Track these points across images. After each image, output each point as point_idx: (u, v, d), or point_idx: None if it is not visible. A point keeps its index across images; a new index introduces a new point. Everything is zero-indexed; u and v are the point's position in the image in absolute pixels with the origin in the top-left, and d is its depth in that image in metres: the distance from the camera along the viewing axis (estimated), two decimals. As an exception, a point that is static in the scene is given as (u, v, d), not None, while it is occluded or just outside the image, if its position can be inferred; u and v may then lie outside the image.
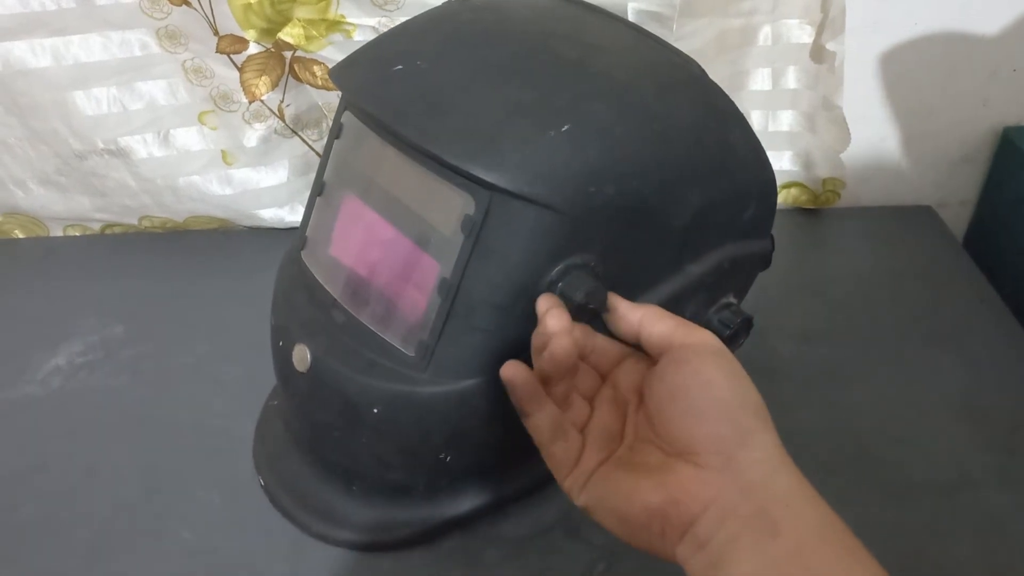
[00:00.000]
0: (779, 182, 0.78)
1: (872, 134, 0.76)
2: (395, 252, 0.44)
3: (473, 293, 0.41)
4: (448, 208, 0.41)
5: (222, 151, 0.72)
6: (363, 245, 0.47)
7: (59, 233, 0.81)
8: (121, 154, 0.71)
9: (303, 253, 0.50)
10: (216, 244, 0.78)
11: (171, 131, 0.70)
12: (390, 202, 0.45)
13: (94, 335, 0.67)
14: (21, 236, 0.81)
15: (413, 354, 0.43)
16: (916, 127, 0.76)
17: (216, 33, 0.64)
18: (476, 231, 0.39)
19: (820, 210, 0.80)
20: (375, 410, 0.44)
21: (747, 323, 0.49)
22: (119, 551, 0.51)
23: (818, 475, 0.34)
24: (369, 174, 0.47)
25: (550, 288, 0.40)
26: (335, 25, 0.64)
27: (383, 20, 0.63)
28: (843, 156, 0.73)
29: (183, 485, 0.54)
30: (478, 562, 0.49)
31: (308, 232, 0.50)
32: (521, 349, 0.41)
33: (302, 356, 0.46)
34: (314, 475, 0.52)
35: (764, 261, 0.51)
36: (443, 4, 0.50)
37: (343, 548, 0.50)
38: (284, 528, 0.51)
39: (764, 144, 0.47)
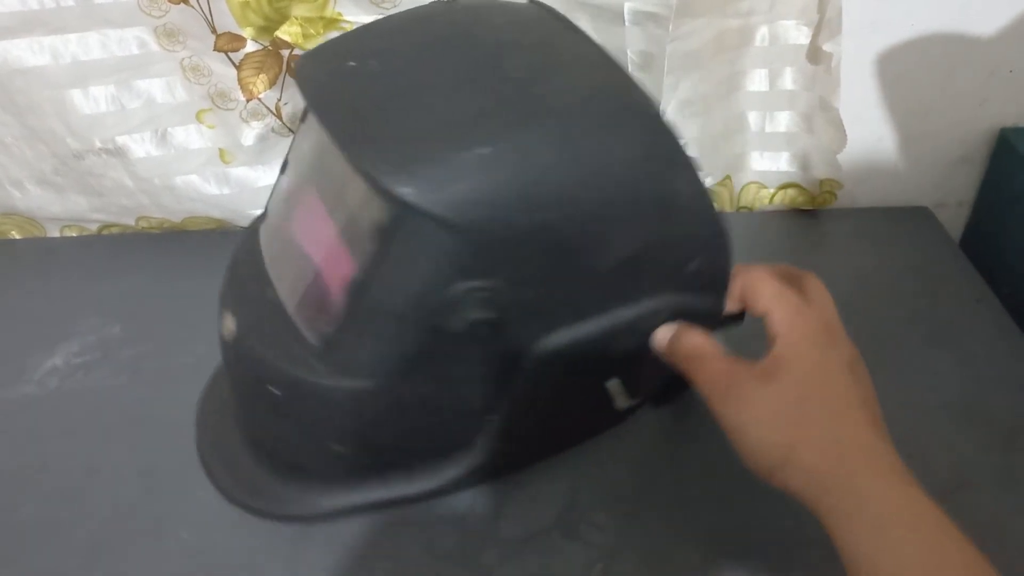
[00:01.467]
0: (776, 183, 0.79)
1: (869, 135, 0.77)
2: (323, 242, 0.45)
3: (377, 298, 0.41)
4: (369, 211, 0.41)
5: (220, 149, 0.72)
6: (300, 229, 0.48)
7: (56, 234, 0.80)
8: (119, 153, 0.70)
9: (261, 226, 0.51)
10: (215, 244, 0.77)
11: (169, 130, 0.70)
12: (327, 193, 0.46)
13: (92, 335, 0.67)
14: (18, 237, 0.80)
15: (317, 344, 0.44)
16: (913, 128, 0.76)
17: (214, 31, 0.64)
18: (386, 239, 0.40)
19: (817, 211, 0.80)
20: (277, 391, 0.45)
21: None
22: (119, 551, 0.50)
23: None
24: (315, 161, 0.47)
25: (449, 307, 0.40)
26: (332, 23, 0.64)
27: (380, 18, 0.63)
28: (840, 157, 0.73)
29: (183, 485, 0.54)
30: (477, 562, 0.49)
31: (268, 206, 0.52)
32: (416, 360, 0.42)
33: (228, 325, 0.47)
34: (241, 442, 0.53)
35: (713, 320, 0.47)
36: (430, 3, 0.50)
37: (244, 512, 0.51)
38: (284, 528, 0.51)
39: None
